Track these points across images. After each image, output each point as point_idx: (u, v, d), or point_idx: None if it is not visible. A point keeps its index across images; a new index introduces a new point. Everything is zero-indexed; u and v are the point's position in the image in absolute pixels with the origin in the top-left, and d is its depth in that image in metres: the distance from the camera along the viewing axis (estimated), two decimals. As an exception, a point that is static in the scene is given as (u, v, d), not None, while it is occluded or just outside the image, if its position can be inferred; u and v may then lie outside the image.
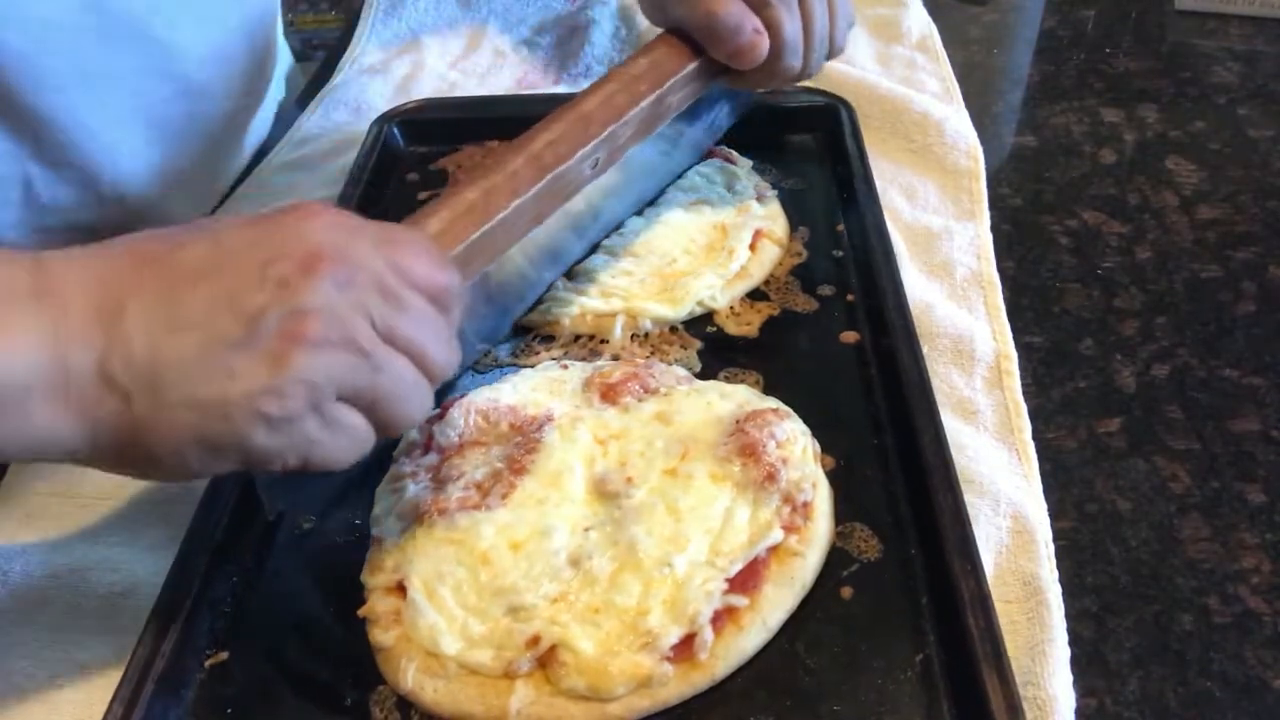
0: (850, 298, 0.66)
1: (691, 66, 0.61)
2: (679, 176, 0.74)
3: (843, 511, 0.52)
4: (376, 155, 0.77)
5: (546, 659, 0.45)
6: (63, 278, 0.38)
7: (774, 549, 0.48)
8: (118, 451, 0.38)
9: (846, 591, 0.49)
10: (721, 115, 0.75)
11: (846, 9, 0.66)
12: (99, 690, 0.47)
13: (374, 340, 0.40)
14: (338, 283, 0.39)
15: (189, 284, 0.38)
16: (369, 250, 0.41)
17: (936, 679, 0.45)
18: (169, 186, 0.74)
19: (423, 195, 0.77)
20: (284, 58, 0.97)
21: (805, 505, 0.49)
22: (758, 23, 0.60)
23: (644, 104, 0.58)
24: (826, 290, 0.67)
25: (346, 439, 0.41)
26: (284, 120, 0.92)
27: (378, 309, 0.40)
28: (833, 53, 0.66)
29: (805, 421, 0.55)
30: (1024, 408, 0.59)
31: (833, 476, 0.53)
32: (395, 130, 0.81)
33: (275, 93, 0.92)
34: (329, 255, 0.39)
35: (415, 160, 0.81)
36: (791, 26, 0.61)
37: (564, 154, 0.54)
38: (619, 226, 0.70)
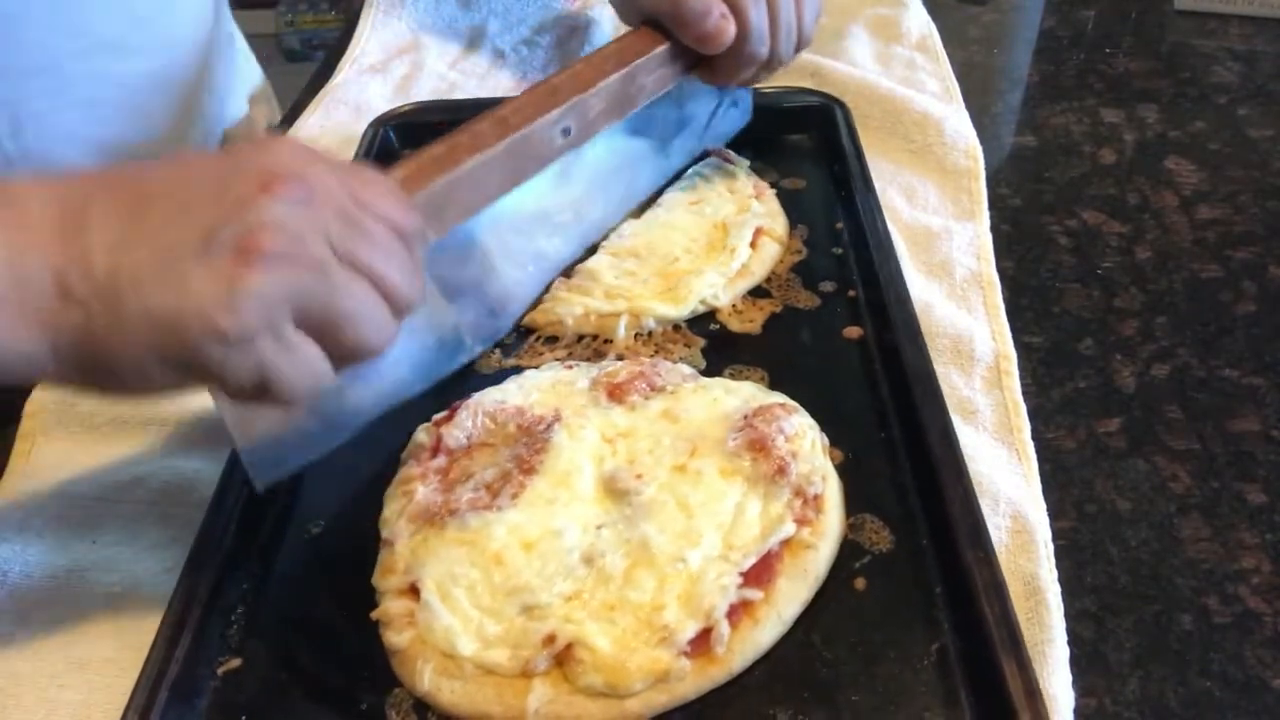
0: (852, 293, 0.66)
1: (660, 49, 0.63)
2: (674, 179, 0.74)
3: (853, 504, 0.52)
4: (373, 159, 0.77)
5: (563, 657, 0.45)
6: (25, 194, 0.38)
7: (786, 542, 0.48)
8: (80, 364, 0.38)
9: (860, 583, 0.49)
10: (718, 120, 0.76)
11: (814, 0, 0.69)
12: (98, 690, 0.47)
13: (331, 260, 0.40)
14: (294, 200, 0.39)
15: (150, 202, 0.39)
16: (329, 178, 0.41)
17: (953, 667, 0.45)
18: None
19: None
20: (249, 76, 0.95)
21: (816, 498, 0.50)
22: (724, 8, 0.62)
23: (612, 78, 0.60)
24: (828, 286, 0.67)
25: (304, 365, 0.40)
26: (285, 121, 0.92)
27: (337, 231, 0.40)
28: (801, 42, 0.68)
29: (812, 416, 0.55)
30: (1023, 408, 0.59)
31: (841, 469, 0.54)
32: (391, 133, 0.81)
33: (232, 109, 0.90)
34: (286, 175, 0.39)
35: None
36: (757, 12, 0.63)
37: (530, 116, 0.56)
38: (616, 227, 0.70)
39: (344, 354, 0.42)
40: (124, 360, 0.38)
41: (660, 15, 0.64)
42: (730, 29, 0.62)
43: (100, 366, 0.38)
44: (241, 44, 0.94)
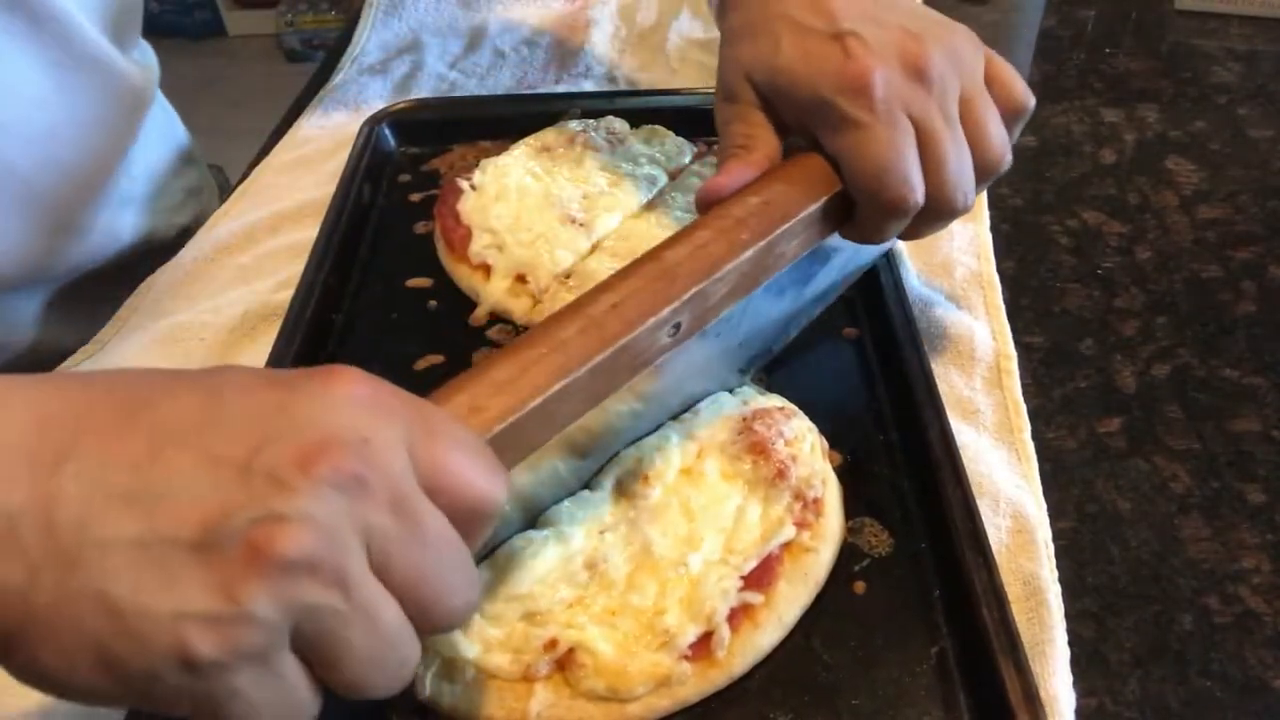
0: (849, 294, 0.66)
1: (813, 209, 0.47)
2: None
3: (852, 507, 0.52)
4: (368, 157, 0.77)
5: (565, 661, 0.45)
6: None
7: (787, 545, 0.48)
8: None
9: (859, 586, 0.49)
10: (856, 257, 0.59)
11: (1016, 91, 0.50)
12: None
13: (358, 575, 0.30)
14: (340, 485, 0.29)
15: (159, 448, 0.29)
16: (394, 444, 0.31)
17: (952, 671, 0.45)
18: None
19: (415, 197, 0.77)
20: (190, 174, 0.86)
21: (816, 501, 0.50)
22: (917, 159, 0.46)
23: (747, 254, 0.45)
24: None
25: (284, 701, 0.30)
26: (285, 121, 0.92)
27: (381, 529, 0.30)
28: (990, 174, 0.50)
29: (810, 418, 0.55)
30: (1024, 407, 0.59)
31: (840, 472, 0.54)
32: (386, 131, 0.81)
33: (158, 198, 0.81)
34: (339, 447, 0.30)
35: (407, 161, 0.81)
36: (958, 159, 0.47)
37: (633, 318, 0.42)
38: (618, 230, 0.70)
39: (336, 689, 0.32)
40: (52, 648, 0.28)
41: (834, 154, 0.47)
42: (922, 188, 0.46)
43: (21, 649, 0.29)
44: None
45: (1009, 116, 0.50)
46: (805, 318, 0.60)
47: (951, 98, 0.47)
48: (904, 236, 0.50)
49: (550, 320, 0.42)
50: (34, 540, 0.28)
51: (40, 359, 0.67)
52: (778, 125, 0.50)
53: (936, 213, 0.48)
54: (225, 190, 0.91)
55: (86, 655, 0.28)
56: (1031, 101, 0.51)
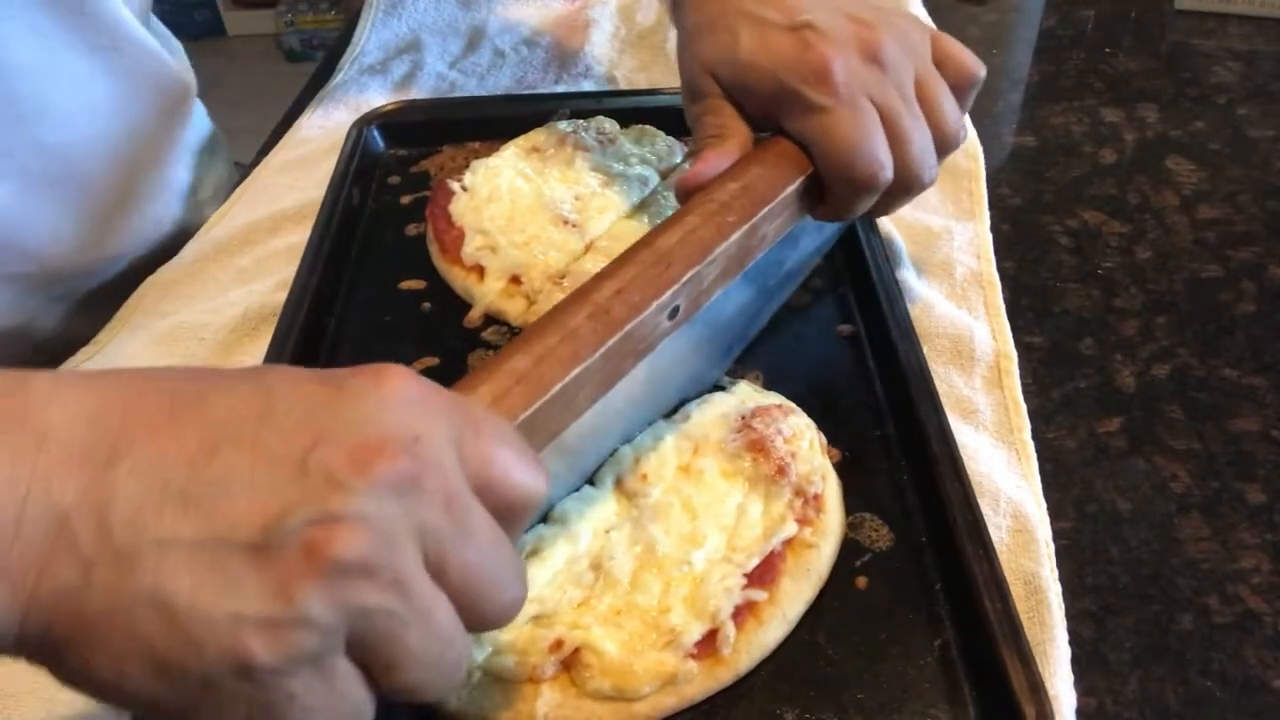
0: (843, 290, 0.66)
1: (790, 189, 0.49)
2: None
3: (852, 503, 0.52)
4: (357, 159, 0.77)
5: (570, 662, 0.45)
6: (46, 401, 0.28)
7: (789, 542, 0.48)
8: (44, 644, 0.28)
9: (861, 581, 0.49)
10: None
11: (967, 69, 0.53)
12: (98, 690, 0.47)
13: (415, 576, 0.30)
14: (395, 485, 0.29)
15: (212, 445, 0.29)
16: (444, 442, 0.31)
17: (956, 663, 0.46)
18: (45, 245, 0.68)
19: (406, 199, 0.76)
20: (219, 167, 0.87)
21: (816, 498, 0.50)
22: (884, 137, 0.49)
23: (735, 237, 0.47)
24: (819, 283, 0.67)
25: (339, 706, 0.30)
26: (285, 121, 0.92)
27: (435, 528, 0.30)
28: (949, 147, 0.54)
29: (808, 414, 0.55)
30: (1024, 407, 0.59)
31: (839, 468, 0.54)
32: (375, 133, 0.81)
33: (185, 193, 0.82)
34: (393, 445, 0.30)
35: (396, 163, 0.81)
36: (920, 136, 0.50)
37: (637, 303, 0.43)
38: (611, 230, 0.70)
39: (391, 692, 0.32)
40: (105, 653, 0.27)
41: (803, 139, 0.50)
42: (890, 164, 0.49)
43: (72, 654, 0.28)
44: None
45: (962, 89, 0.53)
46: (775, 303, 0.62)
47: (907, 79, 0.50)
48: (873, 213, 0.54)
49: (557, 310, 0.43)
50: (89, 540, 0.27)
51: (57, 352, 0.67)
52: (744, 116, 0.53)
53: (904, 187, 0.51)
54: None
55: (140, 660, 0.28)
56: (981, 70, 0.54)
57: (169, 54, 0.75)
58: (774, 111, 0.51)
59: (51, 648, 0.28)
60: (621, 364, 0.44)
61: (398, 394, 0.32)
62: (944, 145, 0.52)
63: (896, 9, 0.53)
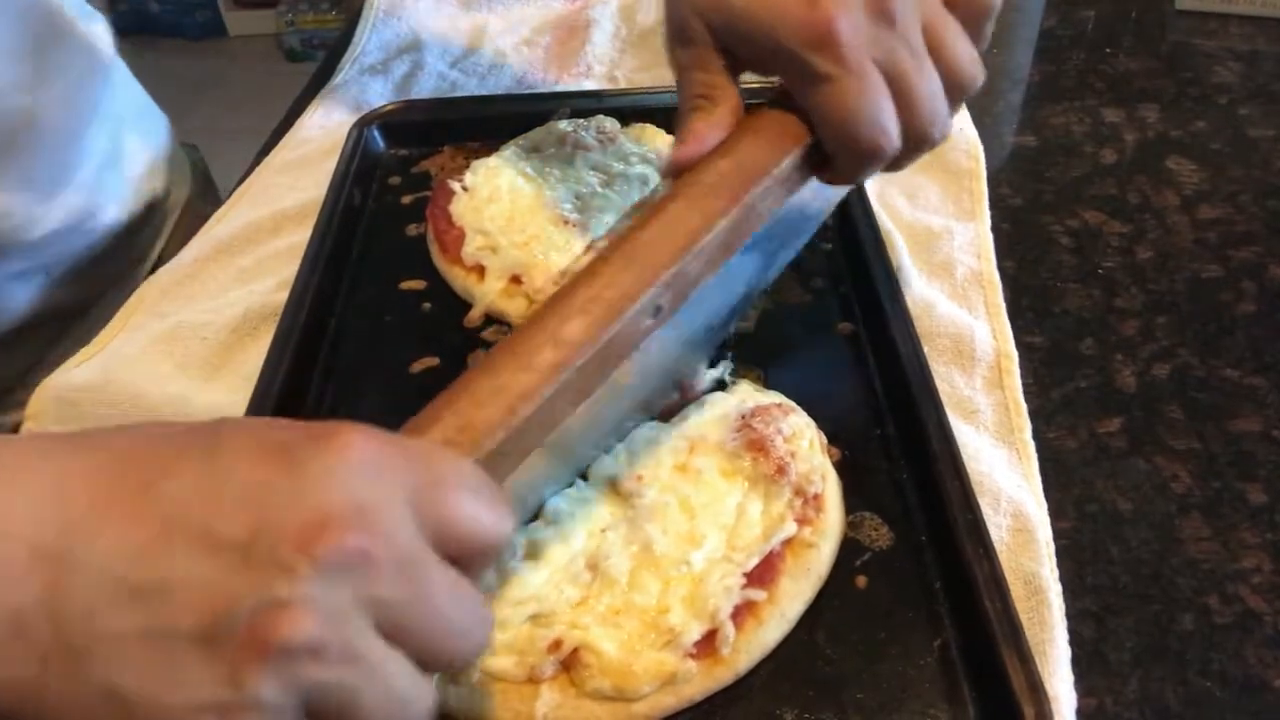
0: (843, 289, 0.66)
1: (787, 162, 0.45)
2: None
3: (851, 502, 0.52)
4: (357, 160, 0.77)
5: (570, 662, 0.45)
6: (5, 487, 0.30)
7: (788, 542, 0.48)
8: None
9: (861, 581, 0.49)
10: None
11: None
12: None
13: (370, 645, 0.30)
14: (343, 565, 0.29)
15: (163, 535, 0.29)
16: (397, 505, 0.31)
17: (955, 662, 0.46)
18: None
19: (406, 199, 0.76)
20: (155, 141, 0.83)
21: (816, 497, 0.50)
22: (890, 99, 0.44)
23: (725, 221, 0.42)
24: (819, 282, 0.67)
25: None
26: (285, 121, 0.92)
27: (388, 596, 0.30)
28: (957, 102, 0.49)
29: (808, 413, 0.55)
30: (1024, 407, 0.59)
31: (839, 468, 0.54)
32: (375, 133, 0.81)
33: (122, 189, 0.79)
34: (339, 522, 0.29)
35: (396, 163, 0.81)
36: (931, 92, 0.46)
37: (617, 306, 0.40)
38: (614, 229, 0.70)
39: None
40: None
41: (805, 105, 0.45)
42: (897, 132, 0.45)
43: None
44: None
45: (976, 21, 0.50)
46: (764, 284, 0.59)
47: (915, 30, 0.46)
48: (883, 170, 0.49)
49: (530, 320, 0.40)
50: (43, 633, 0.28)
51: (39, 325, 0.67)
52: (733, 66, 0.48)
53: (916, 147, 0.47)
54: (199, 171, 0.91)
55: None
56: None
57: (81, 18, 0.72)
58: (771, 70, 0.47)
59: None
60: (602, 369, 0.40)
61: (348, 459, 0.31)
62: (959, 89, 0.48)
63: None
